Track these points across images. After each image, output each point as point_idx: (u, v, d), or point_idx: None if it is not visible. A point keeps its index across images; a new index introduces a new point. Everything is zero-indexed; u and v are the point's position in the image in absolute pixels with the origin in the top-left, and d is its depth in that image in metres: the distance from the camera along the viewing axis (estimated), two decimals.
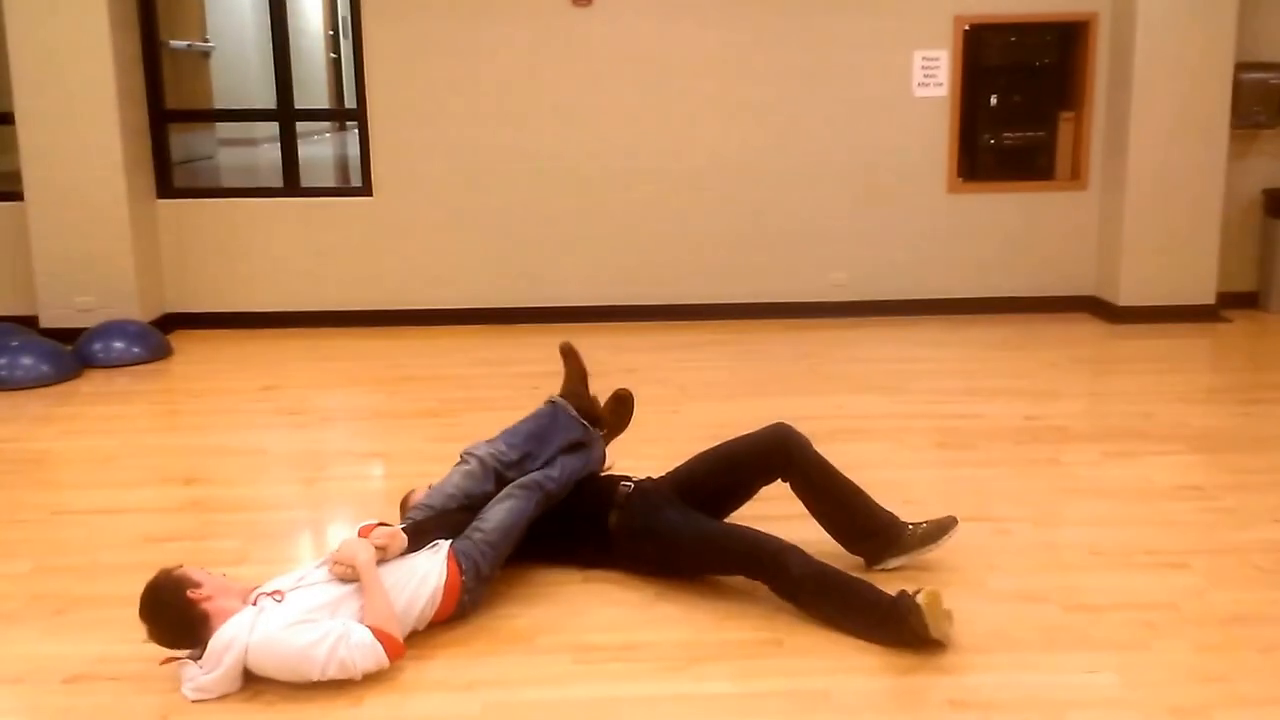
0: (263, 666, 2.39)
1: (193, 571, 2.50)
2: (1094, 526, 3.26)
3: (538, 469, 2.88)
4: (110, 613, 2.77)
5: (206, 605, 2.43)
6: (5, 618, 2.81)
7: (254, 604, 2.50)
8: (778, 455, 2.95)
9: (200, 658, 2.41)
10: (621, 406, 3.20)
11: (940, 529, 2.91)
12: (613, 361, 5.32)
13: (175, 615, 2.42)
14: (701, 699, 2.39)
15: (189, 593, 2.43)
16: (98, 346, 5.33)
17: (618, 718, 2.34)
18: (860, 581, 2.63)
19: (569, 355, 3.16)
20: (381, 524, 2.74)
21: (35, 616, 2.81)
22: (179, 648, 2.45)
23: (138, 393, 5.01)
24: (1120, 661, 2.49)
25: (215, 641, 2.38)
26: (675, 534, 2.83)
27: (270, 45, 6.26)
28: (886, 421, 4.31)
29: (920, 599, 2.46)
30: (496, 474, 2.86)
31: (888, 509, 2.94)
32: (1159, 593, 2.82)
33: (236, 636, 2.38)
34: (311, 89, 11.63)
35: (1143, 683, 2.41)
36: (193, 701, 2.36)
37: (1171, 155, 5.76)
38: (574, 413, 3.03)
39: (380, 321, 6.07)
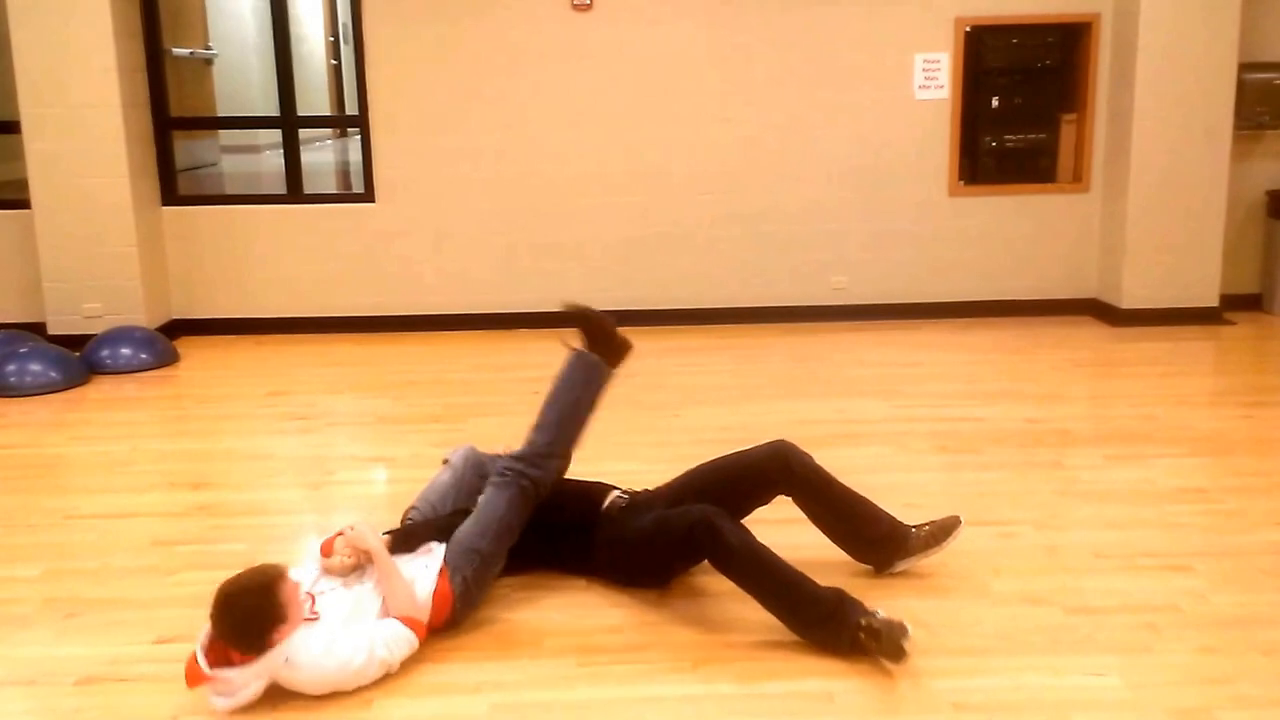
0: (307, 686, 2.36)
1: (291, 601, 2.38)
2: (1097, 529, 3.27)
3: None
4: (121, 615, 2.80)
5: (275, 639, 2.33)
6: (17, 620, 2.83)
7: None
8: (778, 473, 2.92)
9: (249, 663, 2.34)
10: (588, 321, 2.92)
11: (945, 530, 2.91)
12: None
13: (249, 629, 2.32)
14: (706, 700, 2.41)
15: (275, 631, 2.33)
16: (105, 353, 5.36)
17: (623, 719, 2.37)
18: (802, 575, 2.58)
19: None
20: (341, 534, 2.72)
21: (47, 619, 2.83)
22: (228, 643, 2.34)
23: (145, 399, 5.04)
24: (1123, 664, 2.50)
25: (275, 655, 2.32)
26: (641, 533, 2.82)
27: (272, 52, 6.30)
28: (888, 425, 4.33)
29: (906, 646, 2.43)
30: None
31: (890, 513, 2.94)
32: (1162, 595, 2.83)
33: (289, 659, 2.33)
34: (313, 95, 11.66)
35: (1146, 685, 2.42)
36: (223, 711, 2.33)
37: (1174, 157, 5.77)
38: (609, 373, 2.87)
39: (384, 327, 6.09)
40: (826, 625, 2.53)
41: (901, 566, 2.91)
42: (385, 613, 2.52)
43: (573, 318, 2.94)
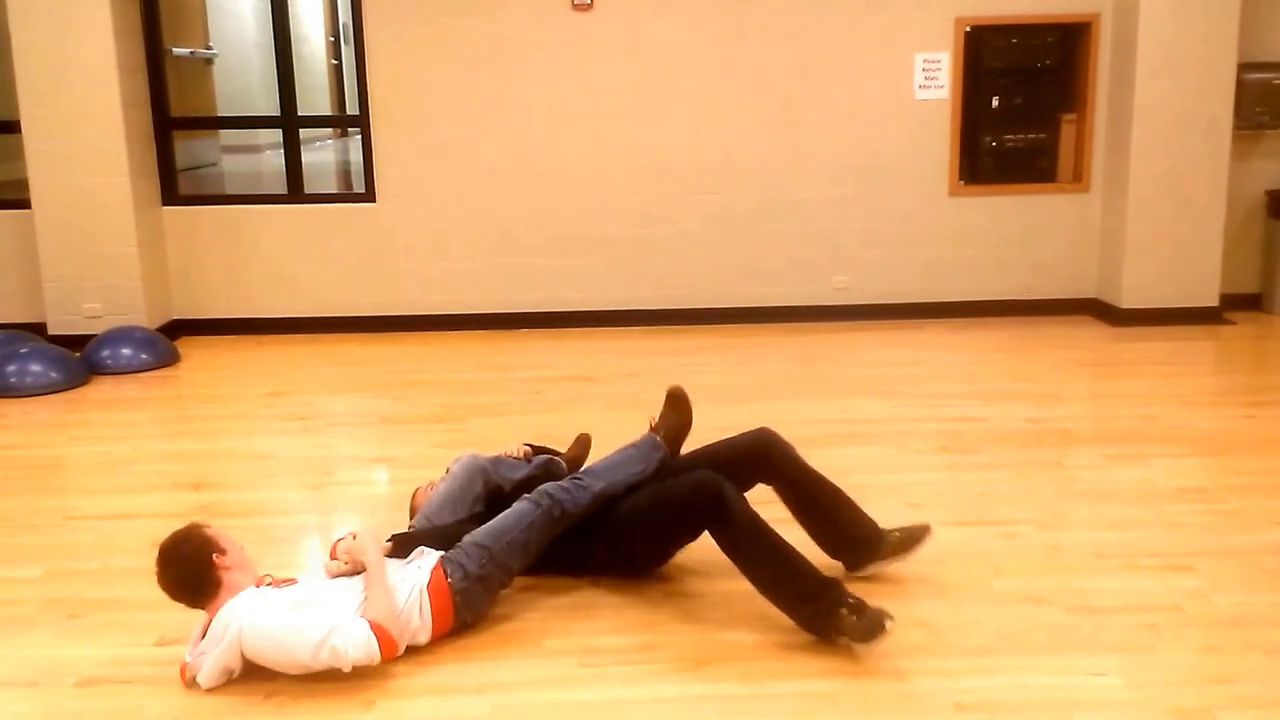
0: (256, 648, 2.41)
1: (222, 537, 2.55)
2: (1097, 529, 3.27)
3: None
4: (122, 616, 2.80)
5: (225, 575, 2.48)
6: (18, 621, 2.83)
7: (258, 586, 2.55)
8: (759, 459, 2.93)
9: (200, 637, 2.45)
10: (680, 405, 3.09)
11: (912, 538, 2.88)
12: (615, 366, 5.35)
13: (192, 573, 2.47)
14: (708, 701, 2.41)
15: (215, 557, 2.48)
16: (106, 353, 5.36)
17: None
18: (798, 552, 2.61)
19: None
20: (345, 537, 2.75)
21: (48, 620, 2.83)
22: (179, 601, 2.50)
23: (146, 399, 5.04)
24: (1124, 663, 2.51)
25: (217, 623, 2.43)
26: (636, 511, 2.83)
27: (272, 52, 6.30)
28: (889, 425, 4.33)
29: (888, 625, 2.45)
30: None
31: (869, 515, 2.91)
32: (1163, 595, 2.83)
33: (233, 619, 2.42)
34: (313, 95, 11.66)
35: (1147, 684, 2.42)
36: (205, 689, 2.41)
37: (1174, 157, 5.77)
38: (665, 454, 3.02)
39: (385, 327, 6.10)
40: (814, 602, 2.55)
41: (871, 570, 2.90)
42: (363, 611, 2.50)
43: (676, 397, 3.07)
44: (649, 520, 2.83)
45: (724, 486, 2.67)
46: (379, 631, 2.44)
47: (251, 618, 2.41)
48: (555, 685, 2.48)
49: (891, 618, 2.47)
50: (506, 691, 2.45)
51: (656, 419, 3.07)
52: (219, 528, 2.61)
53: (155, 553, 2.50)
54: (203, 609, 2.48)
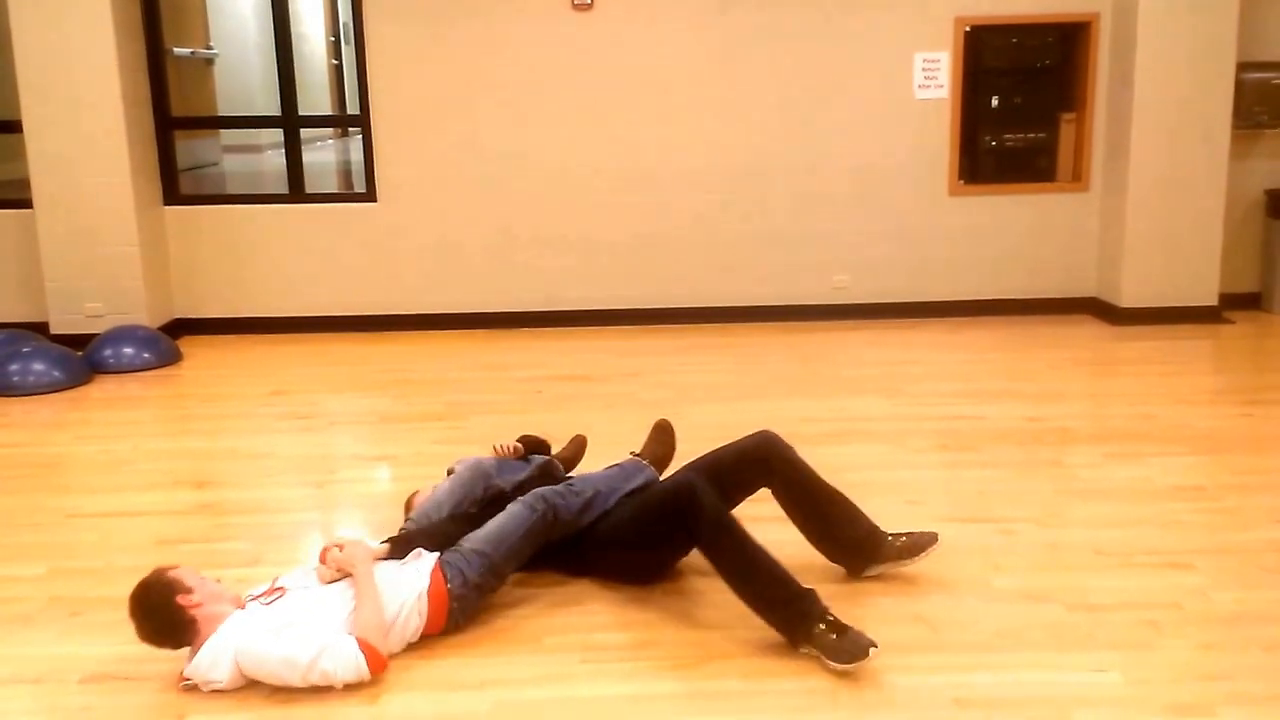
0: (249, 670, 2.43)
1: (186, 575, 2.51)
2: (1097, 527, 3.28)
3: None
4: (125, 613, 2.79)
5: (195, 612, 2.45)
6: (22, 619, 2.85)
7: (243, 608, 2.54)
8: (759, 463, 2.94)
9: (197, 666, 2.44)
10: (664, 436, 3.21)
11: (918, 545, 2.88)
12: (615, 365, 5.36)
13: (163, 618, 2.45)
14: (708, 698, 2.42)
15: (179, 598, 2.45)
16: (108, 352, 5.37)
17: (625, 716, 2.37)
18: (773, 559, 2.59)
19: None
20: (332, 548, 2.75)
21: (52, 618, 2.85)
22: (163, 647, 2.49)
23: (148, 398, 5.05)
24: (1124, 660, 2.52)
25: (205, 652, 2.42)
26: (623, 520, 2.86)
27: (273, 51, 6.31)
28: (888, 423, 4.34)
29: (870, 653, 2.42)
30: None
31: (869, 518, 2.91)
32: (1162, 592, 2.84)
33: (224, 645, 2.42)
34: (314, 95, 11.66)
35: (1146, 681, 2.43)
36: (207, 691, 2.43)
37: (1173, 156, 5.78)
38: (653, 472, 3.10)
39: (385, 326, 6.11)
40: (789, 608, 2.54)
41: (873, 572, 2.90)
42: (351, 625, 2.50)
43: (661, 429, 3.24)
44: (632, 527, 2.85)
45: (698, 487, 2.68)
46: (367, 650, 2.43)
47: (242, 647, 2.42)
48: (556, 681, 2.49)
49: (875, 645, 2.43)
50: (508, 687, 2.47)
51: (640, 449, 3.16)
52: (185, 567, 2.57)
53: (133, 590, 2.49)
54: (189, 645, 2.46)
